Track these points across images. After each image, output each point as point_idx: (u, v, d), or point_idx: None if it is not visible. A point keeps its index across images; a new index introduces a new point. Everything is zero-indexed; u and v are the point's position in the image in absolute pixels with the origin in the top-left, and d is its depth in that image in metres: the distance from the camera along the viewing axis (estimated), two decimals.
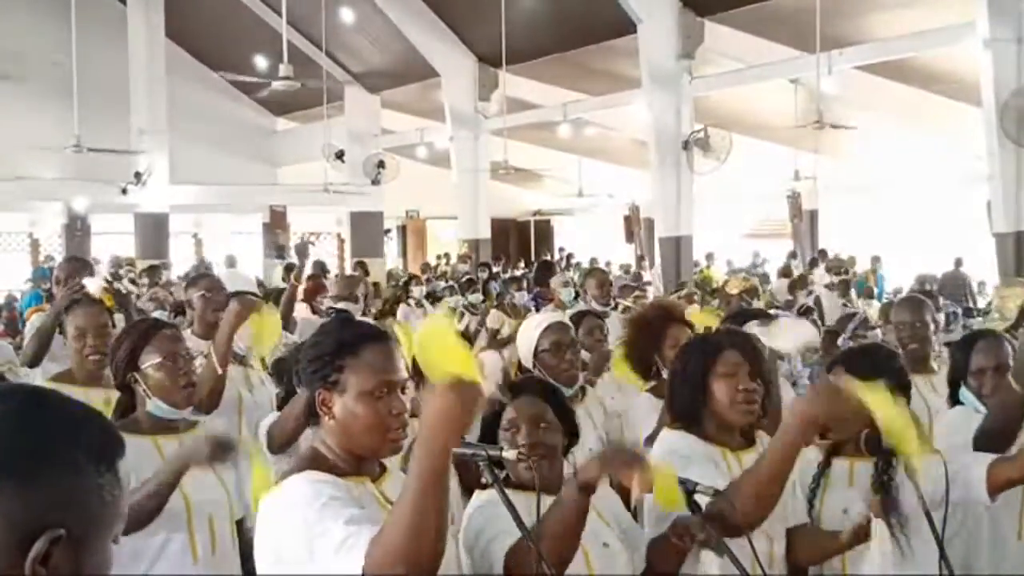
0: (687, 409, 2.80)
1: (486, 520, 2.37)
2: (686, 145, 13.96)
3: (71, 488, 1.08)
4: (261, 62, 19.50)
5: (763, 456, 2.48)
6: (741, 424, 2.80)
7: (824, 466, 2.95)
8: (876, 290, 14.92)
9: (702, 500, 2.25)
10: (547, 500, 2.32)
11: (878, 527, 2.56)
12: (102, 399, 3.57)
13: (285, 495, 1.98)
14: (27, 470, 1.06)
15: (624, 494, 3.12)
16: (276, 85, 12.23)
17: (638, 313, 4.11)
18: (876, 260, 16.62)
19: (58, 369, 4.25)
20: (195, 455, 2.75)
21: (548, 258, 18.80)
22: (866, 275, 15.96)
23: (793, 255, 18.36)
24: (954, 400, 3.50)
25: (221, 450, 2.73)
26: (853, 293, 11.68)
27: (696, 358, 2.79)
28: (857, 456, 2.94)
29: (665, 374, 3.75)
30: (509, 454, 2.15)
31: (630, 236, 20.47)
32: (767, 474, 2.39)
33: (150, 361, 2.96)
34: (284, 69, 11.80)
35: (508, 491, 2.15)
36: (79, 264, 5.22)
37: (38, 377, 4.54)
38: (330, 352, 2.09)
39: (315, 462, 2.08)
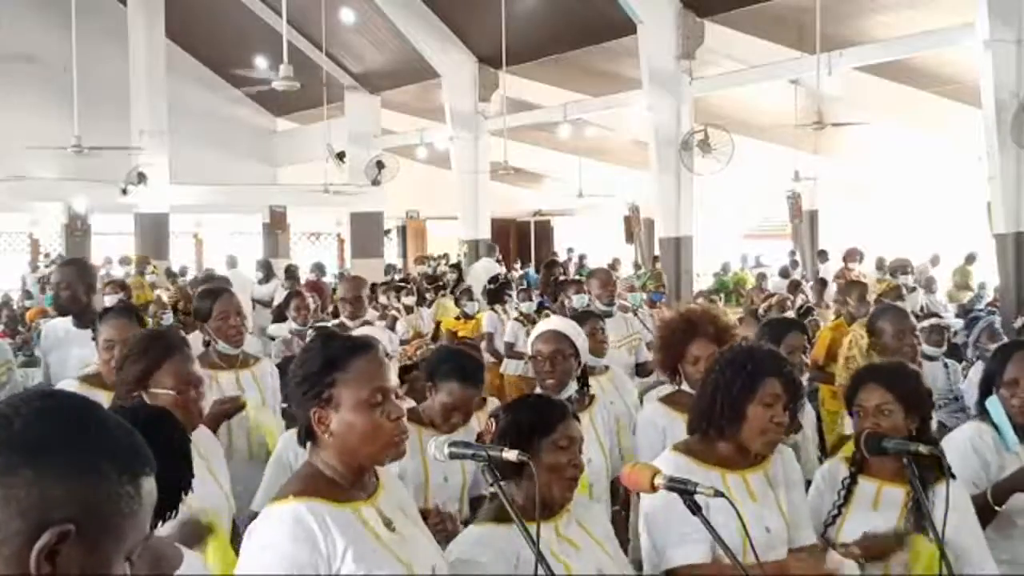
0: (714, 424, 2.78)
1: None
2: (685, 145, 13.94)
3: (88, 489, 1.08)
4: (261, 62, 19.51)
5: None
6: (758, 453, 2.80)
7: (851, 484, 2.93)
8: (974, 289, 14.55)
9: (702, 500, 2.24)
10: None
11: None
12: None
13: (265, 531, 2.02)
14: (47, 462, 1.07)
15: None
16: (276, 85, 12.20)
17: (667, 319, 4.09)
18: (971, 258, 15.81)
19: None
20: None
21: (555, 258, 18.68)
22: (960, 272, 15.59)
23: (792, 254, 18.33)
24: (978, 406, 3.45)
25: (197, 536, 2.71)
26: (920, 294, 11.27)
27: (743, 380, 2.76)
28: (887, 480, 2.92)
29: (686, 385, 3.78)
30: (510, 455, 2.15)
31: (630, 236, 20.48)
32: None
33: (160, 388, 2.94)
34: (284, 69, 11.77)
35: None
36: (77, 270, 5.10)
37: (37, 377, 4.56)
38: (318, 370, 2.09)
39: (313, 482, 2.07)
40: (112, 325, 3.88)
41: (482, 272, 14.86)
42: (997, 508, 3.09)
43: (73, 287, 4.85)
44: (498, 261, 16.88)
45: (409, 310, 10.36)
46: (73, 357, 4.42)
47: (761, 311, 8.13)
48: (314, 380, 2.08)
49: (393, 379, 2.15)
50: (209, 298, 4.40)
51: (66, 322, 4.85)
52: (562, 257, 20.69)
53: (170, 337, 3.30)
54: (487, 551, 2.31)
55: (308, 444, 2.14)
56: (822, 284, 13.16)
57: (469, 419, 3.56)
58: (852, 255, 15.07)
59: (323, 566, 1.96)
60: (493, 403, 4.27)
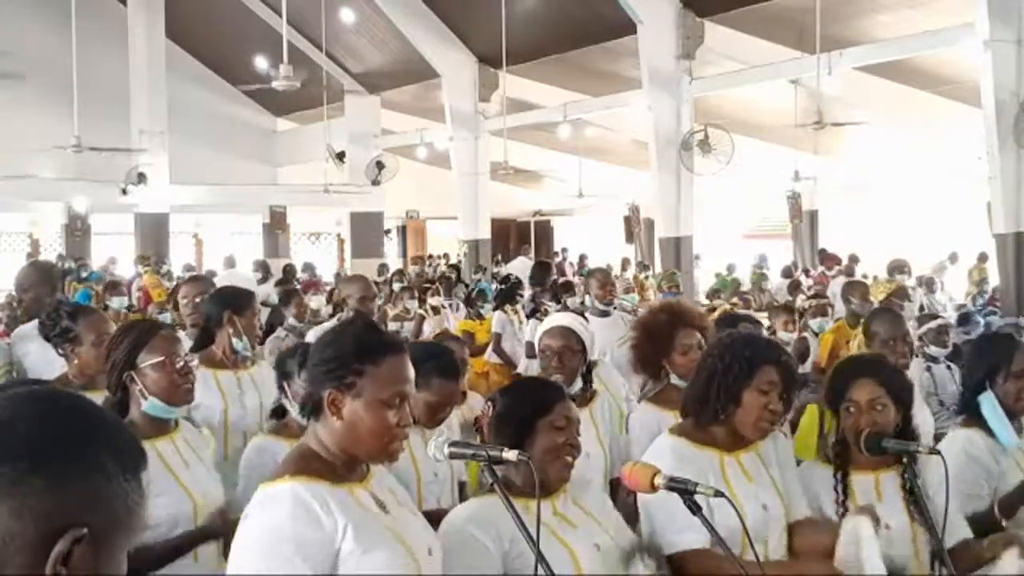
0: (709, 407, 2.78)
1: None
2: (685, 145, 13.95)
3: (98, 489, 1.08)
4: (261, 62, 19.50)
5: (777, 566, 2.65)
6: (751, 439, 2.81)
7: (844, 485, 2.91)
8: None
9: (702, 500, 2.24)
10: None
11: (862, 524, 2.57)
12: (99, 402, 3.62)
13: (263, 512, 2.01)
14: (57, 467, 1.06)
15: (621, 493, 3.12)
16: (276, 85, 12.20)
17: (648, 314, 4.08)
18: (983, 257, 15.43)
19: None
20: (218, 531, 2.82)
21: (545, 260, 18.62)
22: (977, 271, 15.47)
23: (795, 266, 18.27)
24: (965, 405, 3.34)
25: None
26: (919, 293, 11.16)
27: (740, 364, 2.76)
28: (879, 468, 2.91)
29: (673, 379, 3.75)
30: (509, 455, 2.15)
31: (630, 236, 20.50)
32: None
33: (149, 361, 2.96)
34: (284, 69, 11.79)
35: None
36: (38, 272, 5.02)
37: None
38: (350, 354, 2.09)
39: (309, 462, 2.08)
40: (96, 321, 3.83)
41: (518, 271, 14.87)
42: (1005, 523, 3.04)
43: (35, 289, 4.76)
44: (531, 259, 16.88)
45: (436, 311, 10.28)
46: (55, 357, 4.36)
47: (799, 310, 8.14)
48: (342, 362, 2.08)
49: (412, 386, 2.15)
50: (245, 296, 4.40)
51: (35, 325, 4.77)
52: (555, 259, 20.61)
53: (152, 320, 3.31)
54: (479, 525, 2.33)
55: (310, 420, 2.14)
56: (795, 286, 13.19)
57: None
58: (833, 259, 15.10)
59: (327, 543, 1.97)
60: (474, 397, 4.31)
